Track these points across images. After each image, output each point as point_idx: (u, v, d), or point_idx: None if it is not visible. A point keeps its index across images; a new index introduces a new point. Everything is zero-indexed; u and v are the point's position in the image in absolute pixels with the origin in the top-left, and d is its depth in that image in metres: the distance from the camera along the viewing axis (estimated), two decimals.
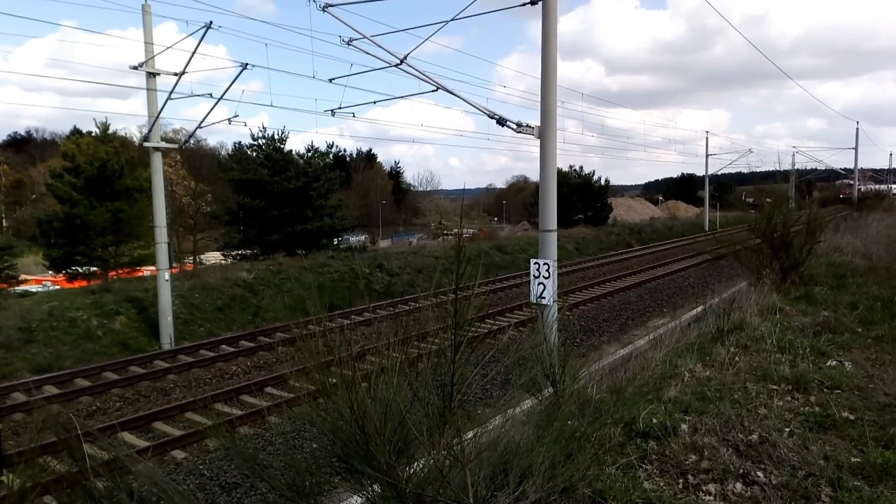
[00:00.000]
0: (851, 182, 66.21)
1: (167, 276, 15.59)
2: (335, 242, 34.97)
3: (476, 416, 3.17)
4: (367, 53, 11.77)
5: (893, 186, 68.98)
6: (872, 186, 66.97)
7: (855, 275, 11.37)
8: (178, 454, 8.89)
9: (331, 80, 14.32)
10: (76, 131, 38.06)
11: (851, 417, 4.70)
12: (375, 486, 2.79)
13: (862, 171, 63.60)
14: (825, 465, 3.85)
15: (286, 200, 30.20)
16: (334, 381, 2.81)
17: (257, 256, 27.04)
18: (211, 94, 15.31)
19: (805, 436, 4.33)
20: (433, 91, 11.81)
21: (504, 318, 16.44)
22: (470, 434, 2.87)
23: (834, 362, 6.18)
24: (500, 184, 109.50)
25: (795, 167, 58.21)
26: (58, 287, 24.87)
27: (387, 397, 2.71)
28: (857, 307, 8.59)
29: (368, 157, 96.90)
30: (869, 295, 9.38)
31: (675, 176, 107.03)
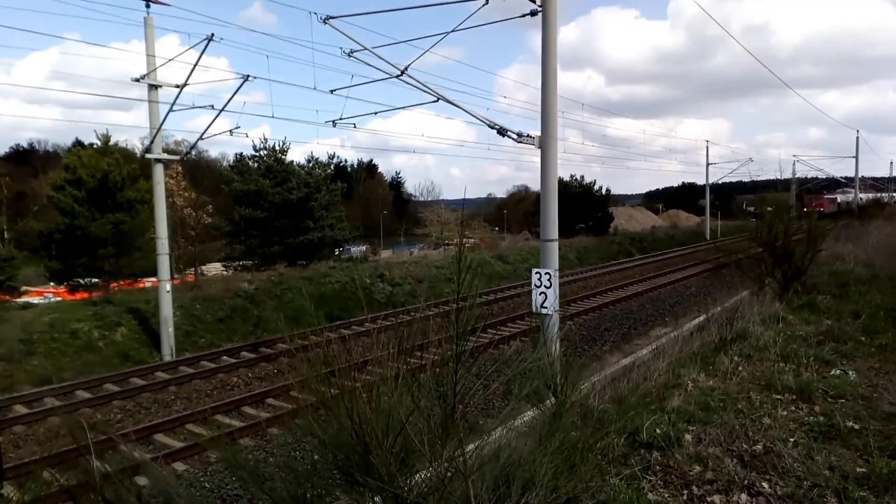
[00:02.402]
0: (826, 195, 64.13)
1: (168, 288, 15.59)
2: (336, 253, 34.98)
3: (478, 427, 3.15)
4: (368, 65, 11.84)
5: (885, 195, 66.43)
6: (861, 196, 62.44)
7: (857, 283, 11.34)
8: (179, 466, 8.84)
9: (332, 92, 14.40)
10: (78, 143, 38.22)
11: (856, 427, 4.67)
12: (377, 498, 2.77)
13: (863, 179, 62.99)
14: (830, 476, 3.82)
15: (287, 211, 30.25)
16: (335, 391, 2.80)
17: (258, 267, 27.06)
18: (213, 106, 15.40)
19: (810, 446, 4.30)
20: (434, 102, 11.86)
21: (506, 328, 16.40)
22: (472, 445, 2.85)
23: (838, 371, 6.15)
24: (501, 193, 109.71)
25: (796, 176, 58.20)
26: (59, 299, 24.88)
27: (388, 408, 2.69)
28: (860, 316, 8.55)
29: (369, 168, 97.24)
30: (872, 303, 9.35)
31: (675, 185, 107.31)
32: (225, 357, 14.60)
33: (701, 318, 10.66)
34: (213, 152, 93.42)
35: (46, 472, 7.16)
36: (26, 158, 71.27)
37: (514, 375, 3.29)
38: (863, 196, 62.84)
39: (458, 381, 2.64)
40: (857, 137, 54.95)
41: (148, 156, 15.88)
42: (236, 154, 61.18)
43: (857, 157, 54.73)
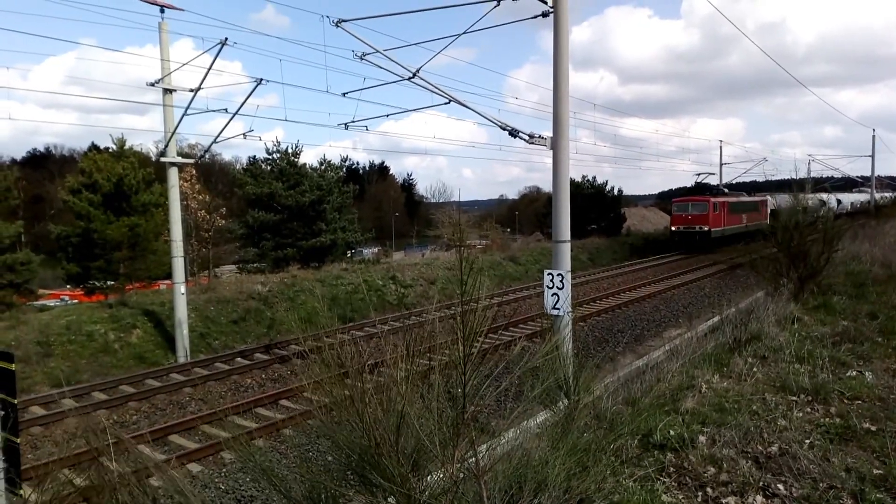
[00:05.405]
0: (729, 196, 38.05)
1: (183, 290, 15.71)
2: (349, 255, 35.11)
3: (490, 429, 3.15)
4: (380, 67, 11.88)
5: (831, 196, 41.33)
6: (836, 197, 43.53)
7: (874, 284, 11.22)
8: (194, 467, 8.91)
9: (344, 95, 14.46)
10: (94, 147, 38.66)
11: (873, 428, 4.62)
12: (390, 499, 2.79)
13: (879, 178, 61.73)
14: (847, 478, 3.78)
15: (300, 214, 30.42)
16: (347, 393, 2.82)
17: (272, 269, 27.24)
18: (226, 110, 15.49)
19: (826, 447, 4.26)
20: (446, 103, 11.87)
21: (518, 330, 16.37)
22: (484, 446, 2.86)
23: (854, 373, 6.09)
24: (513, 195, 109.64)
25: (811, 176, 56.97)
26: (75, 301, 25.15)
27: (399, 409, 2.71)
28: (877, 317, 8.47)
29: (381, 170, 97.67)
30: (889, 304, 9.25)
31: (689, 185, 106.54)
32: (239, 359, 14.70)
33: (715, 319, 10.59)
34: (227, 155, 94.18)
35: (62, 473, 7.25)
36: (43, 162, 72.23)
37: (524, 375, 3.29)
38: (837, 196, 44.62)
39: (467, 381, 2.65)
40: (874, 136, 54.13)
41: (163, 159, 16.02)
42: (249, 157, 61.73)
43: (872, 156, 54.02)
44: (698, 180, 40.44)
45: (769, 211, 40.42)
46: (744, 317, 8.57)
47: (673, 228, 35.86)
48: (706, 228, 33.77)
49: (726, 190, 40.68)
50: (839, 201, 44.14)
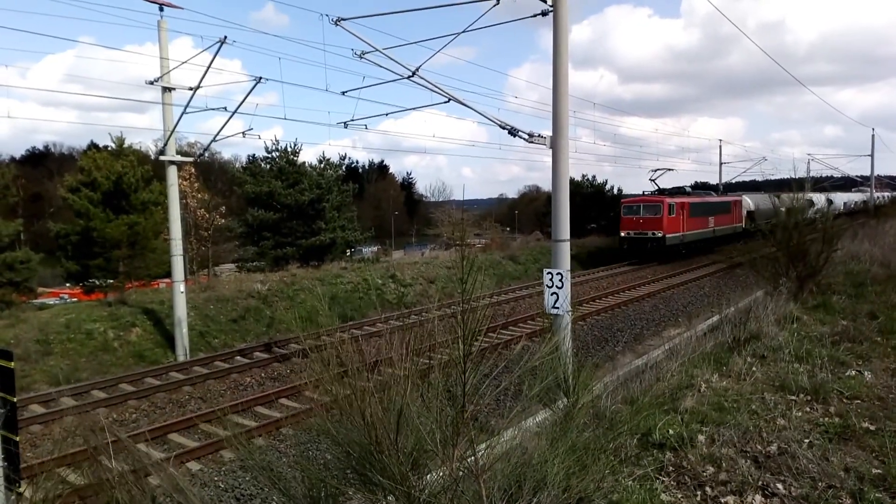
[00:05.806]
0: (689, 196, 32.73)
1: (182, 288, 15.70)
2: (348, 254, 35.12)
3: (489, 427, 3.16)
4: (380, 66, 11.88)
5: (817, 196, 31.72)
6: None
7: (874, 283, 11.23)
8: (194, 466, 8.91)
9: (343, 93, 14.45)
10: (93, 146, 38.63)
11: (872, 428, 4.63)
12: (390, 497, 2.79)
13: (878, 178, 61.69)
14: (846, 477, 3.79)
15: (299, 212, 30.42)
16: (347, 392, 2.82)
17: (271, 268, 27.25)
18: (225, 108, 15.47)
19: (825, 447, 4.27)
20: (445, 102, 11.87)
21: (517, 328, 16.38)
22: (483, 445, 2.86)
23: (853, 372, 6.09)
24: (513, 194, 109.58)
25: (811, 175, 56.45)
26: (75, 300, 25.14)
27: (399, 408, 2.71)
28: (877, 316, 8.48)
29: (381, 169, 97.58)
30: (888, 303, 9.26)
31: (688, 184, 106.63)
32: (238, 357, 14.70)
33: (714, 319, 10.61)
34: (226, 154, 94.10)
35: (60, 472, 7.25)
36: (42, 161, 72.12)
37: (524, 374, 3.30)
38: (828, 196, 39.55)
39: (467, 380, 2.65)
40: (873, 136, 54.12)
41: (162, 158, 16.00)
42: (249, 155, 61.68)
43: (872, 156, 54.02)
44: (653, 178, 34.53)
45: (745, 213, 36.53)
46: (743, 316, 8.58)
47: (622, 234, 31.26)
48: (659, 234, 29.36)
49: (689, 189, 35.95)
50: (830, 201, 38.55)
